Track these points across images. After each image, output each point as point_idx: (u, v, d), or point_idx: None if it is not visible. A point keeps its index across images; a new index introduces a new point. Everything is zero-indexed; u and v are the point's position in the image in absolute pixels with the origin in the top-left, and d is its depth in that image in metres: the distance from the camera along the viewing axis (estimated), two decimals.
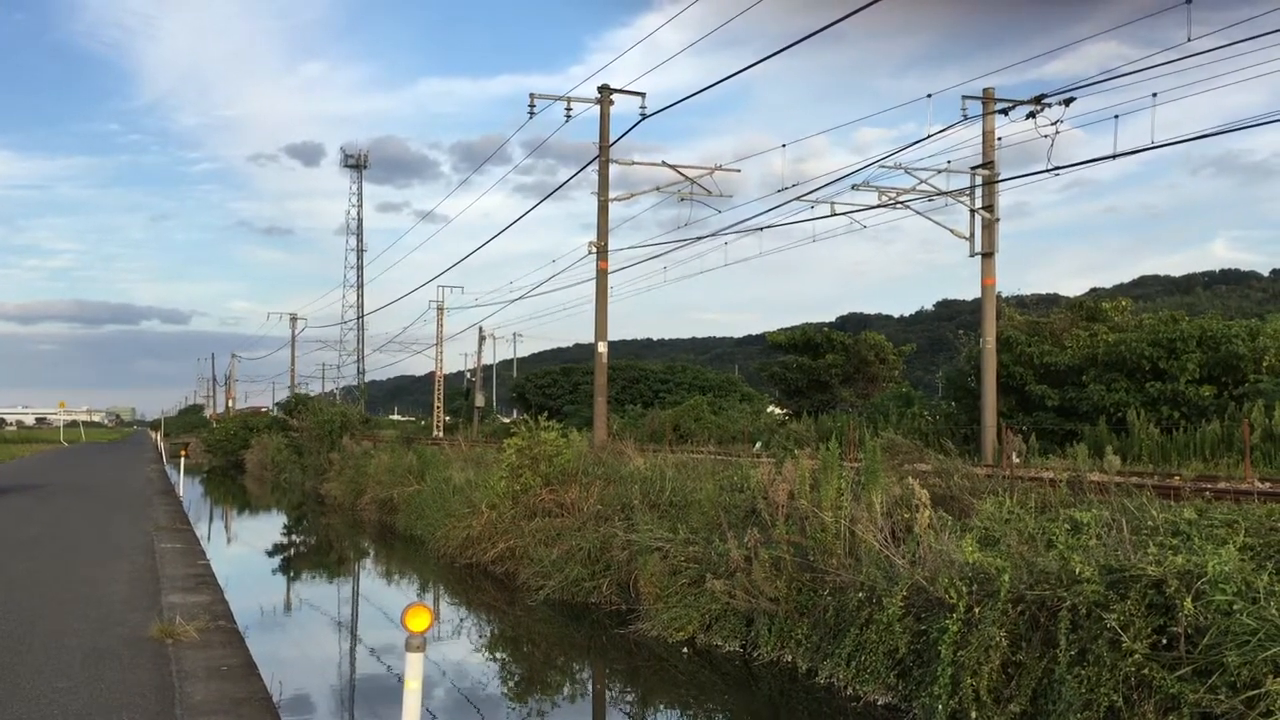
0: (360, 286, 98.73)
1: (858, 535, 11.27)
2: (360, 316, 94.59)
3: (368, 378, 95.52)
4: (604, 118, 28.25)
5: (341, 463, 39.56)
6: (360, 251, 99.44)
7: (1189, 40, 17.53)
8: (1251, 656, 6.83)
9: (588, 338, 29.30)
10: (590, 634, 13.83)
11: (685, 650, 12.12)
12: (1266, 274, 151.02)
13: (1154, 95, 19.49)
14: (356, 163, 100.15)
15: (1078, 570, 8.27)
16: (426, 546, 21.86)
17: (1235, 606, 7.22)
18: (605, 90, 28.21)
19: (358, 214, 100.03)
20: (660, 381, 62.63)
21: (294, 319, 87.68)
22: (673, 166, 29.74)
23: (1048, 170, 22.66)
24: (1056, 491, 12.76)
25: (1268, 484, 14.78)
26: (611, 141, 28.32)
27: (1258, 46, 16.61)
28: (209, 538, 25.61)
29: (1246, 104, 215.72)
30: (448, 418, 68.55)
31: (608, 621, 13.97)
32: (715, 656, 11.85)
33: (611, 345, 30.75)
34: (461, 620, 15.81)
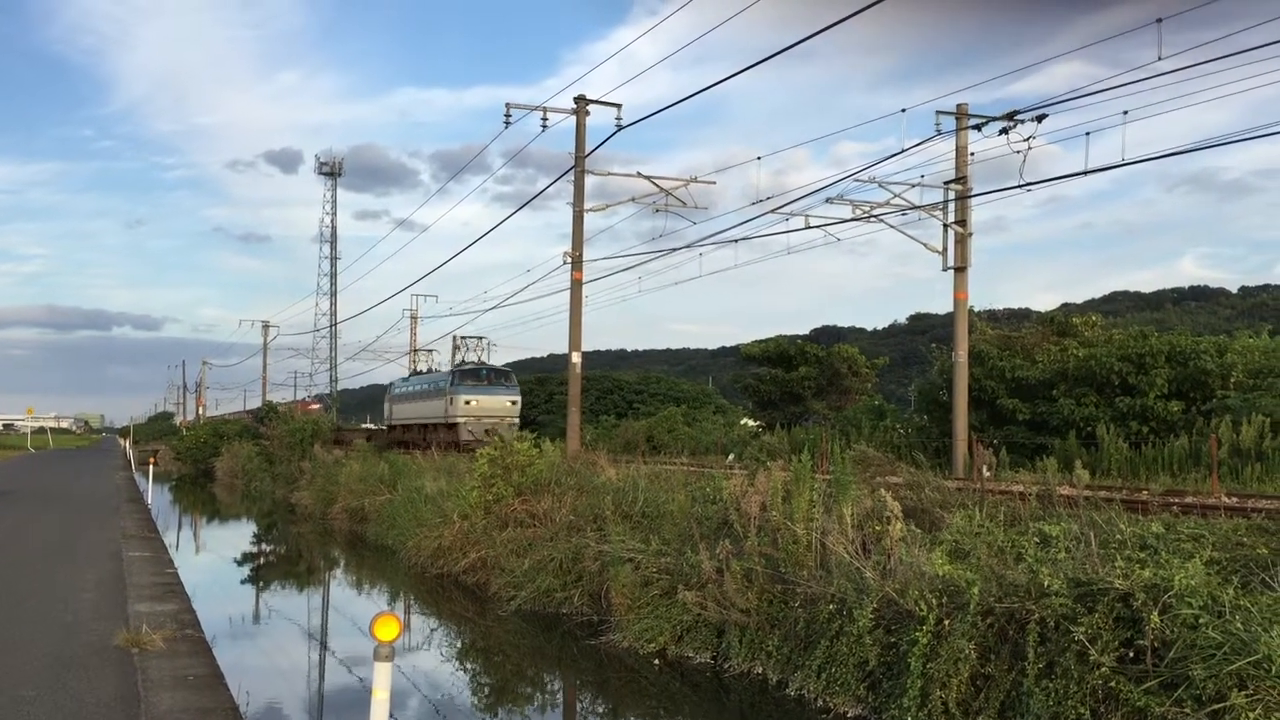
0: (334, 294, 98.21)
1: (829, 547, 11.30)
2: (333, 324, 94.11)
3: (340, 386, 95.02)
4: (580, 128, 28.29)
5: (313, 471, 39.34)
6: (334, 259, 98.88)
7: (1159, 59, 17.74)
8: (1217, 670, 6.89)
9: (562, 348, 29.39)
10: (561, 645, 13.79)
11: (656, 661, 12.11)
12: (1235, 291, 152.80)
13: (1125, 113, 19.68)
14: (331, 170, 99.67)
15: (1046, 583, 8.33)
16: (398, 556, 21.75)
17: (1201, 620, 7.30)
18: (581, 101, 28.26)
19: (332, 221, 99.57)
20: (634, 392, 62.58)
21: (266, 326, 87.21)
22: (648, 178, 29.81)
23: (1020, 186, 22.87)
24: (1026, 505, 12.83)
25: (1234, 499, 14.92)
26: (587, 152, 28.36)
27: (1226, 66, 16.82)
28: (177, 546, 25.40)
29: (1218, 122, 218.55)
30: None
31: (579, 632, 13.94)
32: (686, 668, 11.84)
33: (586, 356, 30.75)
34: (432, 630, 15.74)
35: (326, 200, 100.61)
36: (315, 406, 71.76)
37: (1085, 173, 21.05)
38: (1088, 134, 20.88)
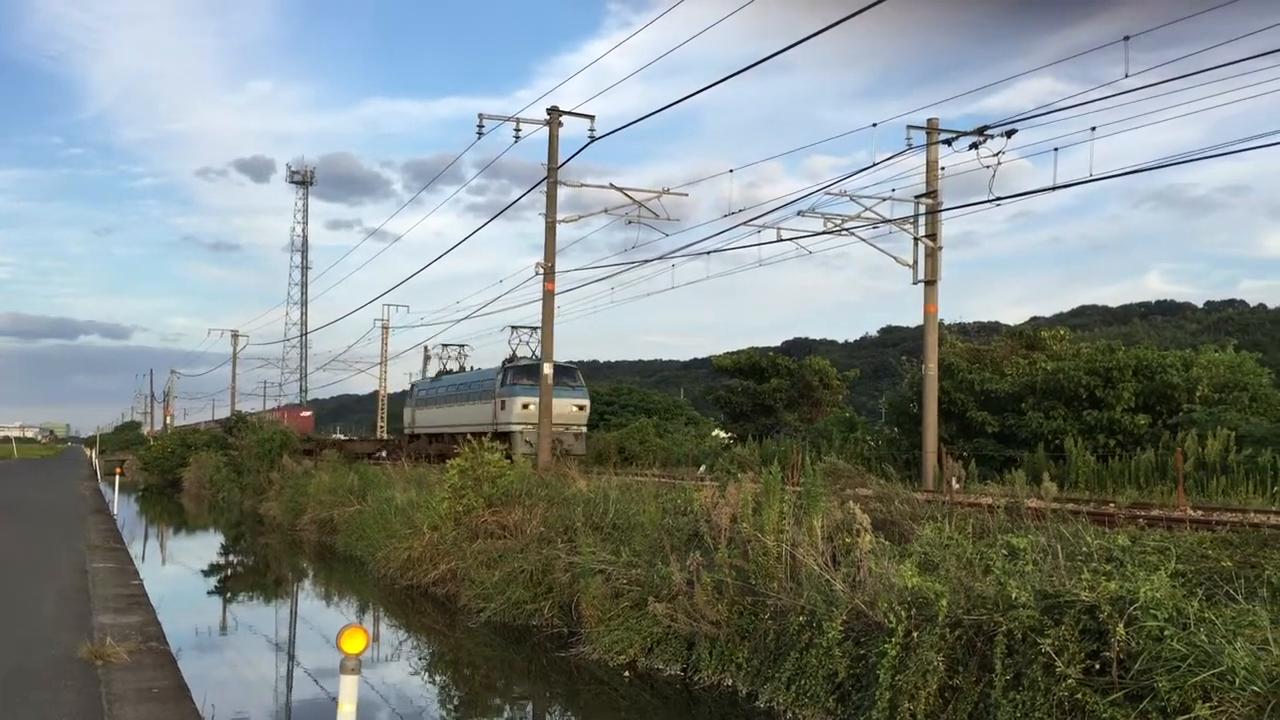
0: (304, 304, 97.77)
1: (799, 559, 11.31)
2: (304, 334, 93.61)
3: (310, 396, 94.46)
4: (553, 139, 28.30)
5: (281, 482, 39.05)
6: (305, 268, 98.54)
7: (1126, 76, 17.95)
8: (1181, 682, 6.95)
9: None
10: (531, 657, 13.74)
11: (626, 673, 12.08)
12: (1201, 306, 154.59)
13: (1093, 129, 19.90)
14: (302, 179, 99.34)
15: (1014, 596, 8.38)
16: (367, 567, 21.61)
17: (1166, 632, 7.36)
18: (554, 112, 28.28)
19: (303, 230, 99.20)
20: (606, 403, 62.54)
21: (235, 336, 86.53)
22: (621, 189, 29.86)
23: (989, 200, 23.06)
24: (994, 517, 12.90)
25: (1199, 512, 15.06)
26: (560, 163, 28.38)
27: (1192, 84, 17.03)
28: (143, 557, 25.13)
29: (1185, 139, 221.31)
30: (391, 437, 67.85)
31: (549, 644, 13.89)
32: (656, 680, 11.82)
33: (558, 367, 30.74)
34: (401, 642, 15.64)
35: (298, 209, 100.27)
36: (307, 415, 70.99)
37: (1054, 188, 21.27)
38: (1056, 149, 21.10)
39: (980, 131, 23.47)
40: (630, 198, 29.71)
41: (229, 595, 21.25)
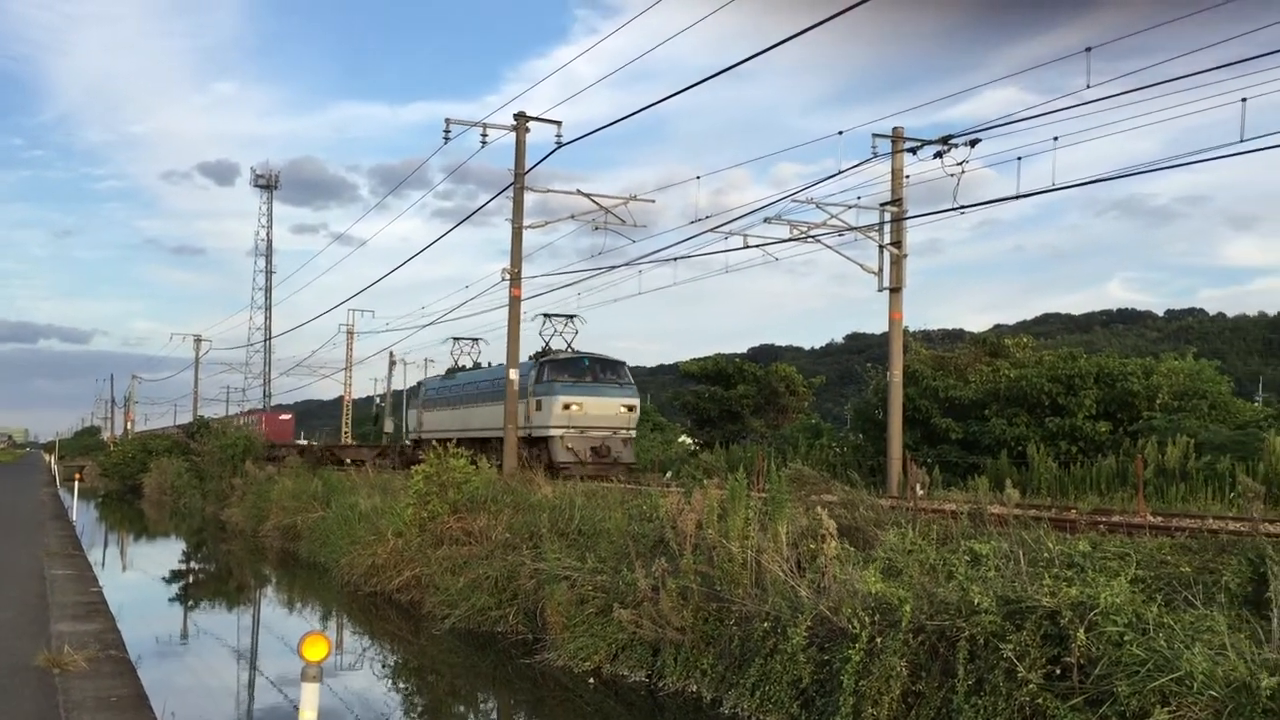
0: (268, 308, 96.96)
1: (764, 565, 11.34)
2: (267, 339, 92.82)
3: (274, 401, 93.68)
4: (519, 145, 28.26)
5: (244, 488, 38.70)
6: (269, 273, 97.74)
7: (1087, 87, 18.13)
8: (1140, 687, 7.02)
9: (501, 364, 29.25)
10: (496, 663, 13.69)
11: (591, 680, 12.06)
12: (1162, 314, 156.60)
13: (1055, 139, 20.07)
14: (267, 183, 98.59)
15: (976, 601, 8.44)
16: (330, 574, 21.45)
17: (1126, 638, 7.43)
18: (521, 118, 28.24)
19: (268, 235, 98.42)
20: None
21: (198, 340, 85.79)
22: (588, 195, 29.83)
23: (953, 209, 23.22)
24: (958, 523, 12.98)
25: (1159, 518, 15.22)
26: (527, 169, 28.34)
27: (1152, 95, 17.25)
28: (103, 564, 24.83)
29: (1145, 149, 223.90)
30: (356, 443, 67.43)
31: (514, 651, 13.84)
32: (621, 686, 11.80)
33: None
34: (364, 649, 15.54)
35: (262, 213, 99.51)
36: (287, 418, 70.27)
37: (1017, 197, 21.45)
38: (1019, 159, 21.27)
39: (944, 140, 23.64)
40: (597, 204, 29.71)
41: (190, 602, 21.04)
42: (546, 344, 34.24)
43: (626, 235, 29.93)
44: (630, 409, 32.11)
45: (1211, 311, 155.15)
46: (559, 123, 28.04)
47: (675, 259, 28.77)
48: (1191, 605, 8.21)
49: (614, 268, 31.08)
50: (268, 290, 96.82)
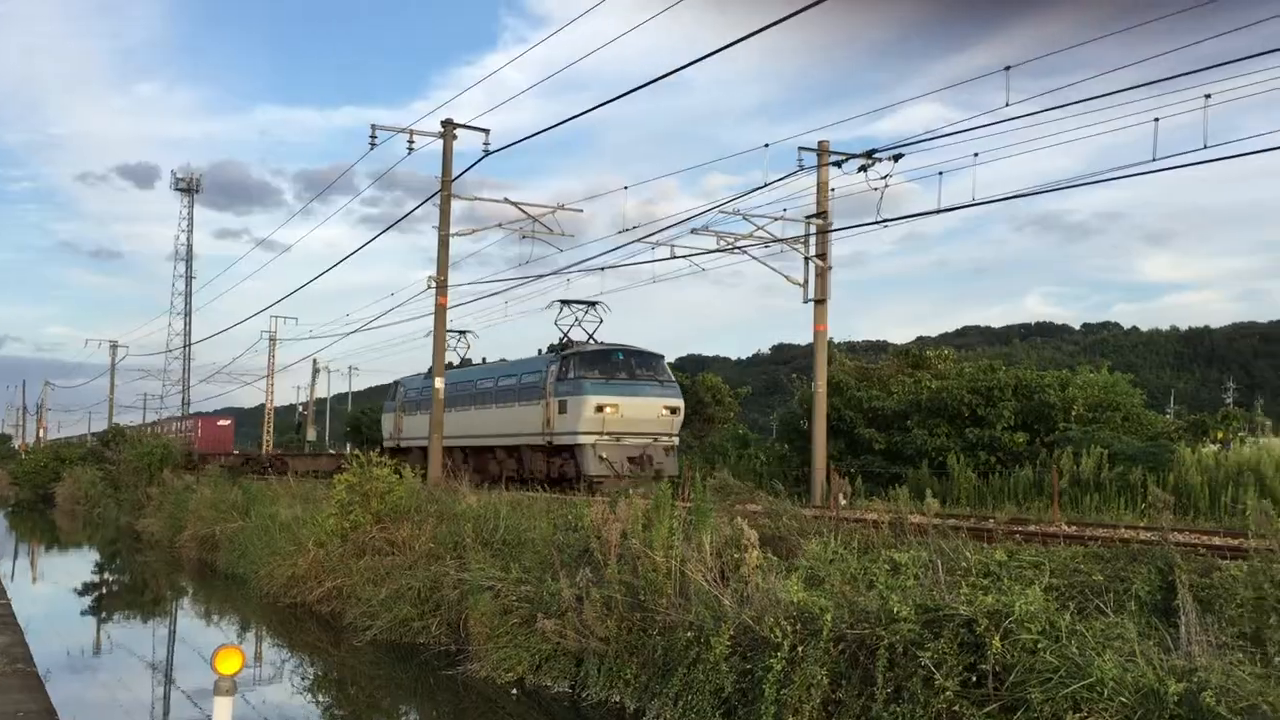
0: (188, 314, 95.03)
1: (688, 575, 11.37)
2: (187, 345, 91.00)
3: (193, 409, 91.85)
4: (447, 152, 28.08)
5: (161, 497, 37.84)
6: (189, 278, 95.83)
7: (1007, 105, 18.54)
8: (1053, 693, 7.17)
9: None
10: (417, 675, 13.54)
11: (514, 691, 11.99)
12: (1078, 328, 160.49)
13: (975, 155, 20.51)
14: (188, 186, 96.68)
15: (896, 610, 8.55)
16: (249, 585, 21.06)
17: (1040, 645, 7.58)
18: (449, 125, 28.07)
19: (188, 239, 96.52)
20: None
21: (114, 346, 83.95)
22: (515, 204, 29.72)
23: (877, 222, 23.59)
24: (879, 533, 13.14)
25: (1073, 527, 15.56)
26: (454, 176, 28.17)
27: (1069, 114, 17.69)
28: (11, 575, 24.11)
29: (1063, 166, 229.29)
30: (278, 451, 66.33)
31: (436, 662, 13.71)
32: (544, 697, 11.75)
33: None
34: (282, 662, 15.28)
35: (183, 217, 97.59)
36: (226, 423, 68.57)
37: (938, 211, 21.87)
38: (941, 174, 21.69)
39: (869, 155, 24.00)
40: (525, 212, 29.62)
41: (103, 615, 20.51)
42: (565, 335, 29.80)
43: (554, 244, 29.88)
44: (673, 411, 27.96)
45: (1126, 325, 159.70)
46: (487, 130, 27.95)
47: (603, 268, 28.82)
48: (1103, 613, 8.41)
49: (541, 276, 31.03)
50: (188, 296, 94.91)
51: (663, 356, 29.46)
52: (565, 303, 30.36)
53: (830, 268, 25.89)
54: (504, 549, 15.22)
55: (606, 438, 26.60)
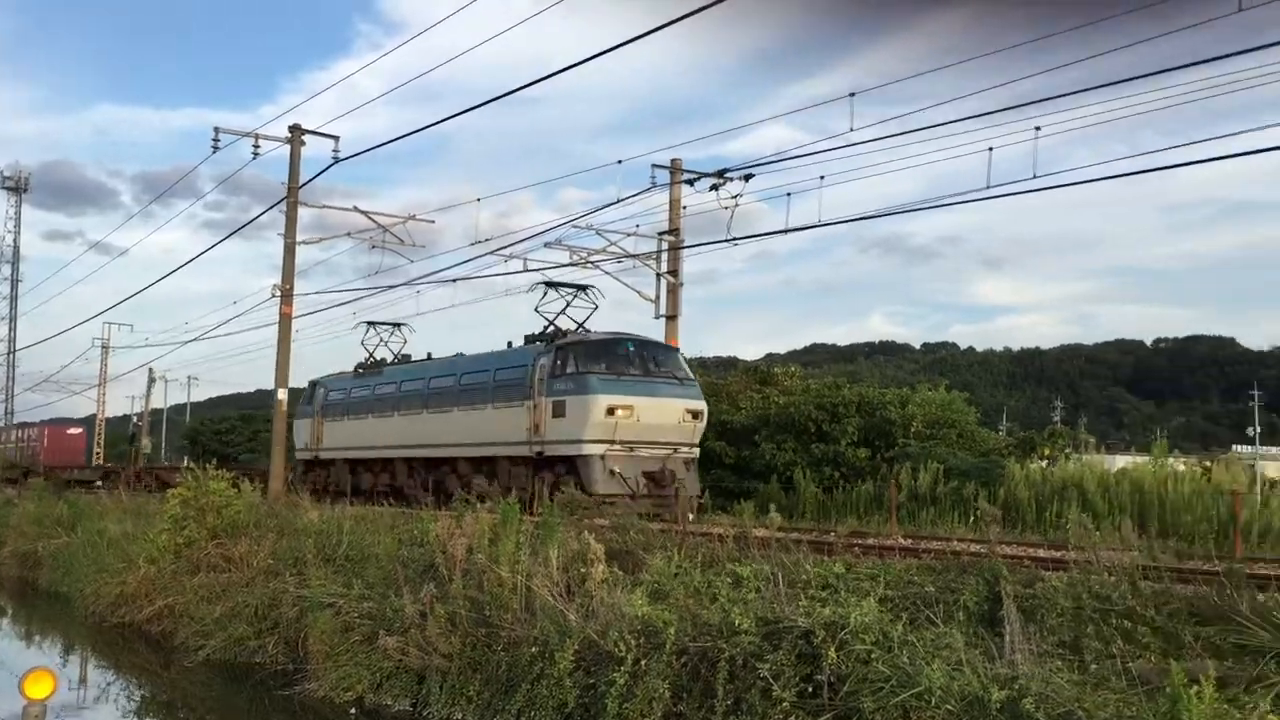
0: (13, 319, 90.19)
1: (534, 590, 11.31)
2: (12, 352, 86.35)
3: (17, 418, 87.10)
4: (294, 158, 27.41)
5: None
6: (15, 281, 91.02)
7: (851, 130, 19.11)
8: (885, 702, 7.37)
9: (271, 383, 27.94)
10: (252, 696, 13.10)
11: (353, 710, 11.71)
12: (918, 347, 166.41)
13: (822, 178, 21.07)
14: (15, 185, 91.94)
15: (737, 623, 8.67)
16: (74, 605, 20.05)
17: (873, 655, 7.79)
18: (296, 130, 27.41)
19: (14, 241, 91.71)
20: None
21: None
22: (366, 213, 29.24)
23: (727, 240, 23.99)
24: (724, 547, 13.29)
25: (910, 540, 16.04)
26: (302, 183, 27.52)
27: (910, 140, 18.37)
28: None
29: (906, 190, 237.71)
30: (110, 464, 63.42)
31: (272, 682, 13.29)
32: (384, 716, 11.51)
33: (294, 392, 29.63)
34: (106, 685, 14.59)
35: (9, 217, 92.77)
36: (76, 431, 64.66)
37: (786, 231, 22.35)
38: (789, 194, 22.17)
39: (720, 174, 24.42)
40: (375, 221, 29.16)
41: None
42: (551, 324, 24.52)
43: (405, 255, 29.50)
44: (695, 416, 22.85)
45: (963, 345, 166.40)
46: (336, 137, 27.45)
47: (455, 280, 28.54)
48: (933, 623, 8.69)
49: (392, 287, 30.53)
50: (13, 300, 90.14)
51: (678, 350, 24.93)
52: (551, 285, 25.07)
53: (681, 284, 26.25)
54: (347, 565, 14.87)
55: (618, 448, 21.47)
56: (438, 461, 25.89)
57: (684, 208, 25.92)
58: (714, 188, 24.65)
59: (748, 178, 23.97)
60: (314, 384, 33.31)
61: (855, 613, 8.18)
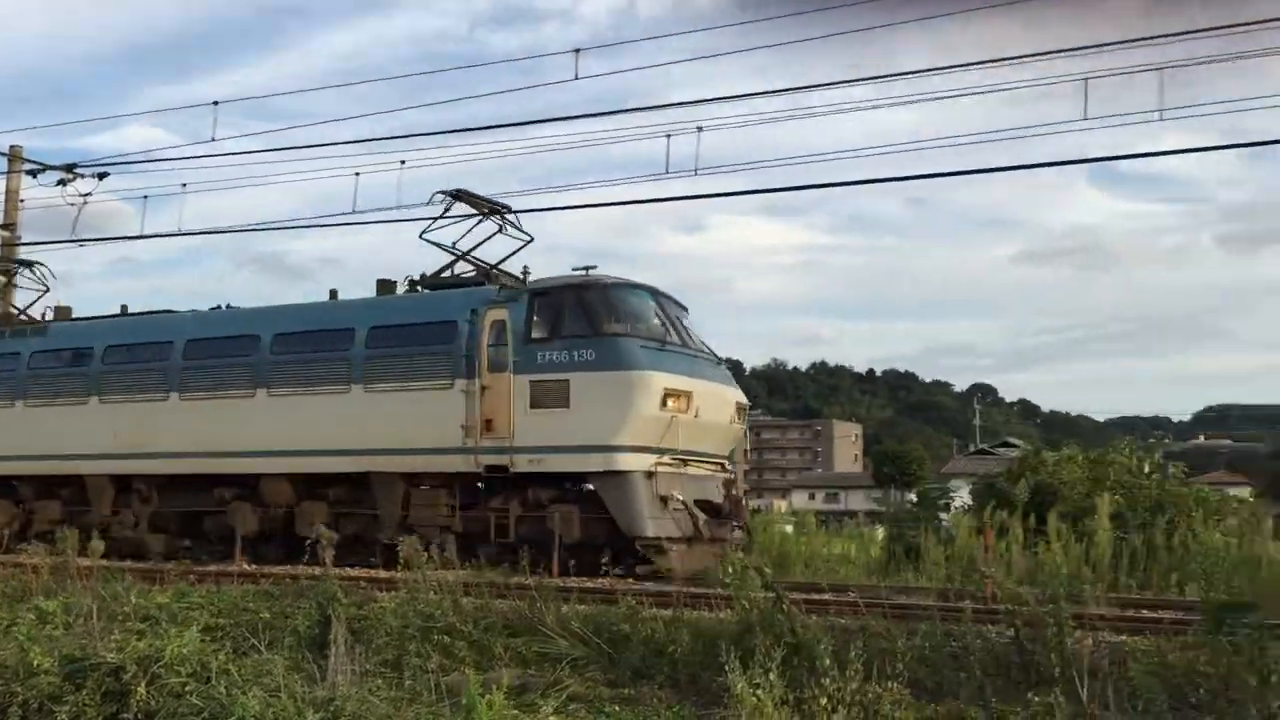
0: None
1: None
2: None
3: None
4: None
5: None
6: None
7: (213, 139, 18.45)
8: None
9: None
10: None
11: None
12: None
13: (184, 185, 20.20)
14: None
15: (36, 663, 7.90)
16: None
17: (187, 688, 7.46)
18: None
19: None
20: None
21: None
22: None
23: (74, 240, 21.96)
24: (38, 579, 12.09)
25: (257, 566, 15.61)
26: None
27: (283, 158, 18.17)
28: None
29: (287, 206, 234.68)
30: None
31: None
32: None
33: None
34: None
35: None
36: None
37: (141, 236, 21.06)
38: (146, 198, 20.93)
39: (70, 168, 22.33)
40: None
41: None
42: (485, 265, 15.72)
43: None
44: (741, 414, 15.92)
45: None
46: None
47: None
48: (259, 650, 8.54)
49: None
50: None
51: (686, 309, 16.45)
52: (459, 195, 15.52)
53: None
54: None
55: (667, 460, 14.10)
56: (190, 481, 16.78)
57: (21, 201, 23.44)
58: (62, 182, 22.45)
59: (102, 175, 22.14)
60: None
61: (173, 644, 7.79)
